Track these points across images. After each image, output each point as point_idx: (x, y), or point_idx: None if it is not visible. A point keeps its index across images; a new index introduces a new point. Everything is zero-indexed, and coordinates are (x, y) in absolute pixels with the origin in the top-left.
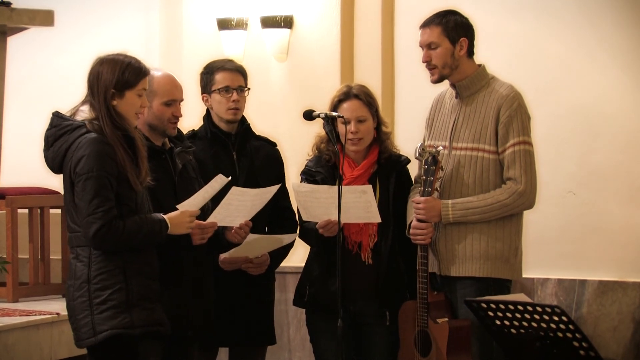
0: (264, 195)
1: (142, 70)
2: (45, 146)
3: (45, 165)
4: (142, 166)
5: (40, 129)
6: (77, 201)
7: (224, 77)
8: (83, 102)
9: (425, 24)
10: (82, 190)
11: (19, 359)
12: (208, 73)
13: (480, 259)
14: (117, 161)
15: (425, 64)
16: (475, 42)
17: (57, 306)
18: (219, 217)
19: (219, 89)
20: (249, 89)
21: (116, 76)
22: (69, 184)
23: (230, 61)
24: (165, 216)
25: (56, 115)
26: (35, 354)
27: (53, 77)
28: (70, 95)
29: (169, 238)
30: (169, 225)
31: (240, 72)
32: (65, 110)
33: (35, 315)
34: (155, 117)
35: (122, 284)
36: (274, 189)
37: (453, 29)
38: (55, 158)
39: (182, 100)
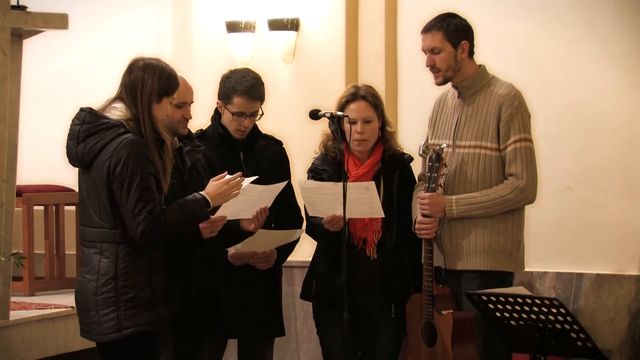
0: (271, 191)
1: (177, 81)
2: (74, 141)
3: (67, 159)
4: (168, 169)
5: (55, 128)
6: (118, 200)
7: (241, 104)
8: (115, 99)
9: (427, 29)
10: (126, 192)
11: (35, 352)
12: (229, 88)
13: (484, 253)
14: (153, 162)
15: (429, 68)
16: (475, 43)
17: (72, 300)
18: (227, 211)
19: (233, 112)
20: (262, 114)
21: (162, 82)
22: (103, 181)
23: (253, 86)
24: (203, 192)
25: (89, 112)
26: (50, 347)
27: (66, 77)
28: (82, 93)
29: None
30: (210, 200)
31: (260, 99)
32: (77, 106)
33: (51, 308)
34: (166, 118)
35: (148, 282)
36: (281, 185)
37: (454, 32)
38: (89, 154)
39: (192, 102)
